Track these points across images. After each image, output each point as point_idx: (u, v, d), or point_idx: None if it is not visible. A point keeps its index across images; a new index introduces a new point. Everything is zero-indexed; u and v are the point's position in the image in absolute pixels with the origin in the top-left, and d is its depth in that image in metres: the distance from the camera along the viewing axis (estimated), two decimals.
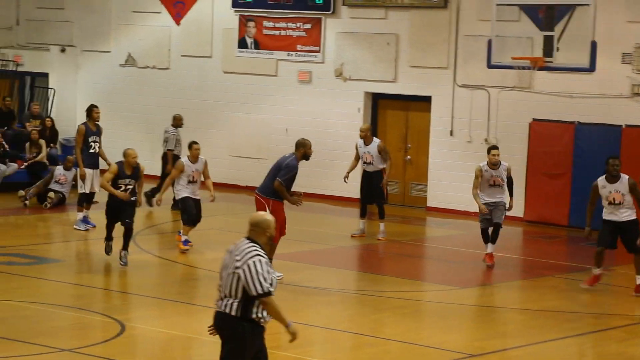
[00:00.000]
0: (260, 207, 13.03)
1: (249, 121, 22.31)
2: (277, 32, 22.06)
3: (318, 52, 21.62)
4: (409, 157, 21.14)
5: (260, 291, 6.94)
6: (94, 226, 16.29)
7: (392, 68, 20.89)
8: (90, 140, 16.23)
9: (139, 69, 23.83)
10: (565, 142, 18.94)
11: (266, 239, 7.14)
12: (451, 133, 20.29)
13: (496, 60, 17.45)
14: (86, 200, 16.37)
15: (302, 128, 21.34)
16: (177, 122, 19.27)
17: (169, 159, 18.77)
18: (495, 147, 14.90)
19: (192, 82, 23.19)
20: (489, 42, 17.24)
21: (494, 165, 14.72)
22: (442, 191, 20.44)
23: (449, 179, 20.30)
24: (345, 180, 16.91)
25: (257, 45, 22.29)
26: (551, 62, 16.77)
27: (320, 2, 21.45)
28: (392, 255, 16.13)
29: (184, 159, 15.14)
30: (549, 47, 16.96)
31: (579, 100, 18.94)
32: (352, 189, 21.41)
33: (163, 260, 14.84)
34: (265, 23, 22.17)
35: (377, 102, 21.43)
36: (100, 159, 16.44)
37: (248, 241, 7.11)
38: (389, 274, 14.61)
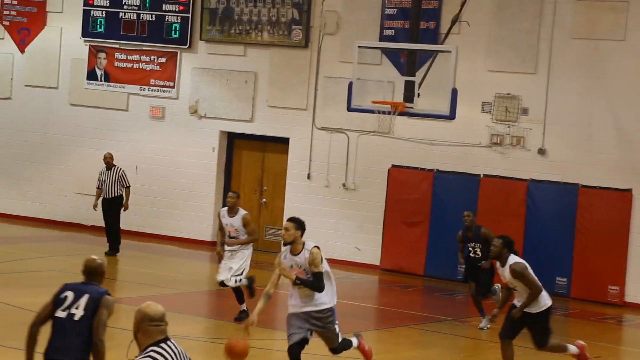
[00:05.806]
0: None
1: (96, 157, 21.99)
2: (129, 65, 22.02)
3: (172, 87, 21.68)
4: (264, 200, 21.32)
5: None
6: None
7: (249, 107, 21.11)
8: None
9: None
10: (423, 189, 19.47)
11: None
12: (308, 176, 20.60)
13: (356, 103, 17.75)
14: None
15: (153, 166, 21.35)
16: None
17: None
18: None
19: (36, 114, 22.87)
20: (350, 85, 17.58)
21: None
22: None
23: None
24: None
25: (108, 78, 22.19)
26: (412, 107, 17.14)
27: (177, 35, 21.56)
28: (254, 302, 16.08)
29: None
30: (410, 93, 17.35)
31: (439, 148, 19.53)
32: (204, 231, 21.49)
33: None
34: (118, 55, 22.11)
35: (233, 142, 21.59)
36: None
37: None
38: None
